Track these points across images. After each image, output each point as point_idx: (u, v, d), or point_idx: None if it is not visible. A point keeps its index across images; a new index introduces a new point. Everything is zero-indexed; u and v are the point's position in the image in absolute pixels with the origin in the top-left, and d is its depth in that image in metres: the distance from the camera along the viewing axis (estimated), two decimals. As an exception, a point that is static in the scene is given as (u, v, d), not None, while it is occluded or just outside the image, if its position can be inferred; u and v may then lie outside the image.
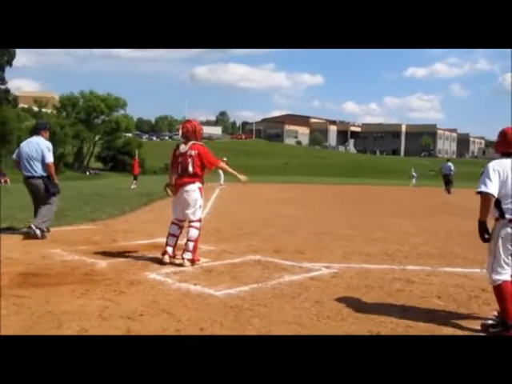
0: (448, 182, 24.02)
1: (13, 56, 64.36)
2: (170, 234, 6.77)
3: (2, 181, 37.41)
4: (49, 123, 10.47)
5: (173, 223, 6.84)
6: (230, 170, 7.37)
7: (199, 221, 6.75)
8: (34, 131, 9.09)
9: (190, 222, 6.73)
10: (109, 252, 7.22)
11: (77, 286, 5.33)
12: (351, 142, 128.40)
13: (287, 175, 55.05)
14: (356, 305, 4.91)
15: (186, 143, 6.78)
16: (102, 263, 6.46)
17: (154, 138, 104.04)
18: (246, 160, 69.51)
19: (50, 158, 8.57)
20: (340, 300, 5.06)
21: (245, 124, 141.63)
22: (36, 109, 70.70)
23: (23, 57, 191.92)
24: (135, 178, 27.48)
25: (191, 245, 6.58)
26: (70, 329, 3.98)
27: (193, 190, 6.63)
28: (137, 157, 34.89)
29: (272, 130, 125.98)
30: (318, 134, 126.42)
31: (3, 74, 64.13)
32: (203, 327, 4.11)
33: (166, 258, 6.62)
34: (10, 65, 64.59)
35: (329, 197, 23.02)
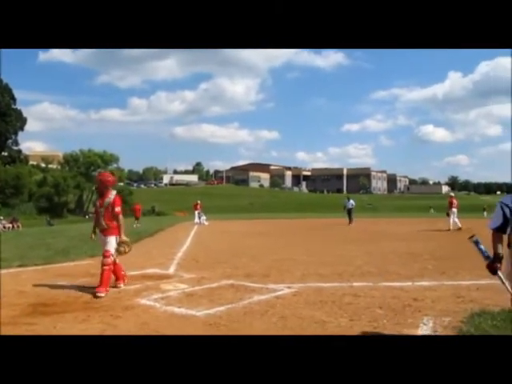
0: (350, 214, 24.81)
1: (24, 122, 63.48)
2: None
3: (15, 225, 36.33)
4: None
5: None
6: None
7: None
8: None
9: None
10: (106, 282, 6.97)
11: (79, 312, 5.13)
12: (304, 183, 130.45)
13: (252, 213, 54.97)
14: (313, 317, 4.86)
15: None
16: (101, 292, 6.23)
17: (142, 186, 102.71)
18: (219, 201, 69.37)
19: None
20: (300, 314, 5.00)
21: (216, 172, 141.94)
22: (43, 165, 69.76)
23: (33, 123, 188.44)
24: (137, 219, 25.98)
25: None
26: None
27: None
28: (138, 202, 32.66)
29: (239, 176, 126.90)
30: (277, 178, 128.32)
31: (16, 138, 63.10)
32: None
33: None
34: (22, 129, 63.64)
35: (287, 229, 23.00)
